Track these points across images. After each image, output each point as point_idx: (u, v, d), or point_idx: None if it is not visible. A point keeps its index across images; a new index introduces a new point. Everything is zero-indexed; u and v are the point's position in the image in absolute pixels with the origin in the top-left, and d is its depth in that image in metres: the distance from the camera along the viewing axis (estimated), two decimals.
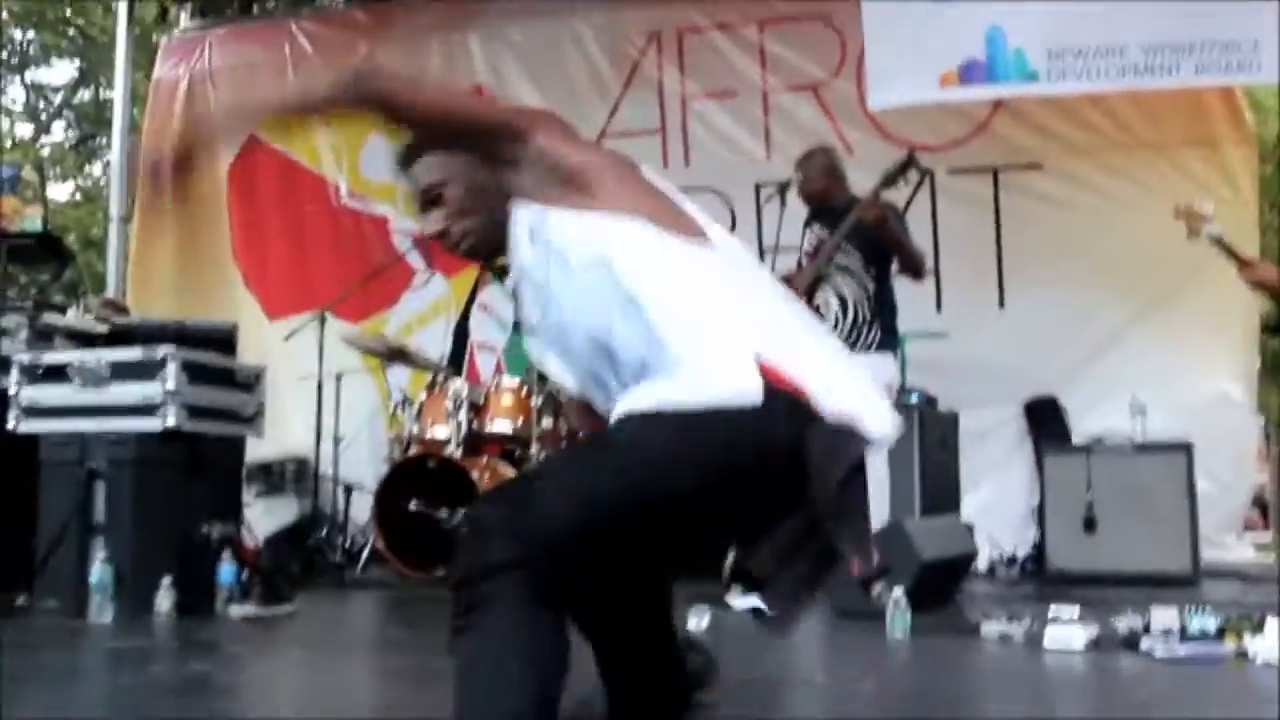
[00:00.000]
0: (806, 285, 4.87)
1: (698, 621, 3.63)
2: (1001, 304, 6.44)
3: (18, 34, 17.16)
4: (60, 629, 3.87)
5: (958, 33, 5.34)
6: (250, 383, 4.67)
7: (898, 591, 3.65)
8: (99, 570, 3.98)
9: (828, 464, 1.59)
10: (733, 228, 6.64)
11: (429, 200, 1.87)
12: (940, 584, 4.18)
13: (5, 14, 16.74)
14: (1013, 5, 5.36)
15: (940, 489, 5.37)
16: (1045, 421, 6.14)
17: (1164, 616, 3.36)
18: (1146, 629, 3.34)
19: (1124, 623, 3.41)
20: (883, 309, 4.90)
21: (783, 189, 5.14)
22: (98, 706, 2.81)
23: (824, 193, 5.00)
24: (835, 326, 4.84)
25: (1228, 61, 5.43)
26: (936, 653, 3.43)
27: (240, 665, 3.40)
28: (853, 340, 4.83)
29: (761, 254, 5.74)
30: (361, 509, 5.93)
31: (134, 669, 3.27)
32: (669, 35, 7.08)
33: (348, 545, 5.90)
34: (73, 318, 4.90)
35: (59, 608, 4.07)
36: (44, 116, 17.75)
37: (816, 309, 4.89)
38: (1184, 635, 3.27)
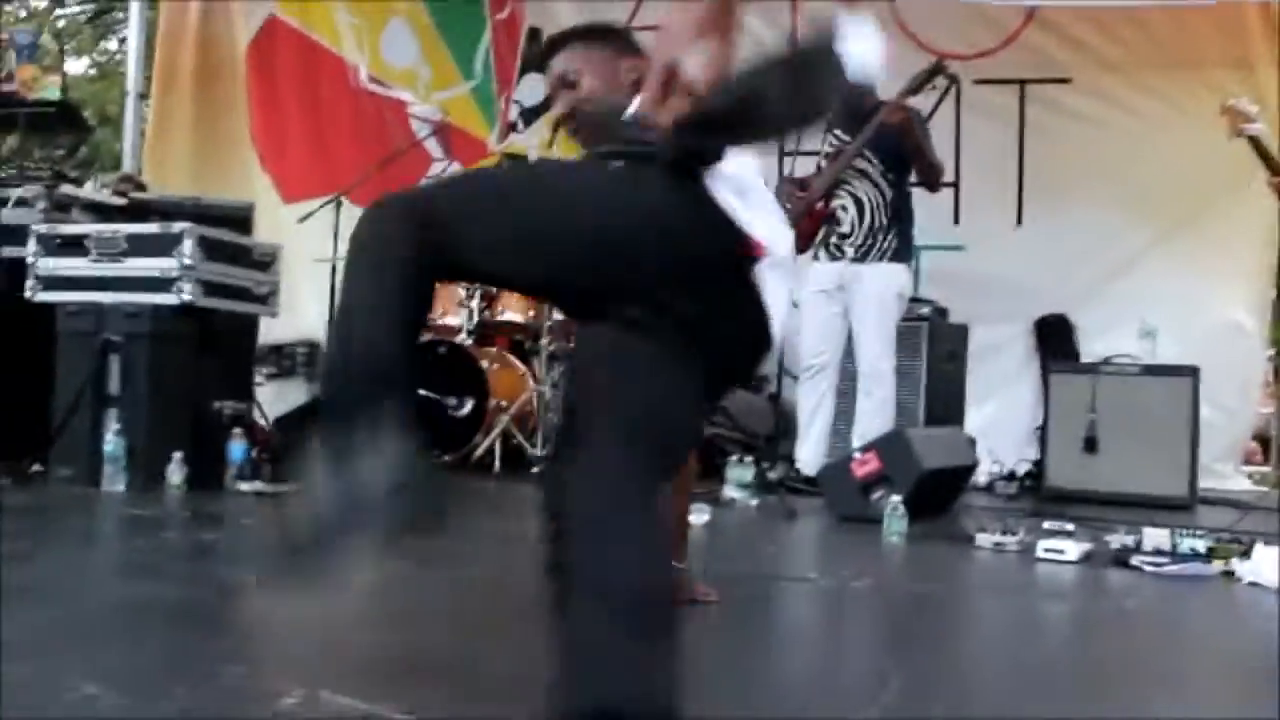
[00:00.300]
0: (825, 188, 4.84)
1: (698, 518, 3.70)
2: (1019, 220, 6.40)
3: None
4: (74, 496, 3.96)
5: None
6: (266, 261, 4.70)
7: (896, 498, 3.71)
8: (112, 441, 4.05)
9: None
10: None
11: (566, 84, 1.95)
12: (939, 494, 4.24)
13: None
14: None
15: (945, 401, 5.42)
16: (1055, 340, 6.15)
17: (1156, 535, 3.43)
18: (1138, 547, 3.41)
19: (1116, 539, 3.48)
20: (900, 217, 4.88)
21: None
22: (112, 567, 2.89)
23: (851, 91, 4.94)
24: (851, 231, 4.83)
25: None
26: (930, 558, 3.50)
27: (249, 535, 3.48)
28: (867, 246, 4.82)
29: (781, 156, 5.68)
30: None
31: (146, 535, 3.35)
32: None
33: None
34: (90, 190, 4.91)
35: (72, 476, 4.15)
36: None
37: (833, 212, 4.87)
38: (1174, 555, 3.33)
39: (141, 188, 5.87)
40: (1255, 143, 4.25)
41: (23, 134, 5.01)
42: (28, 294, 4.38)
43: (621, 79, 1.92)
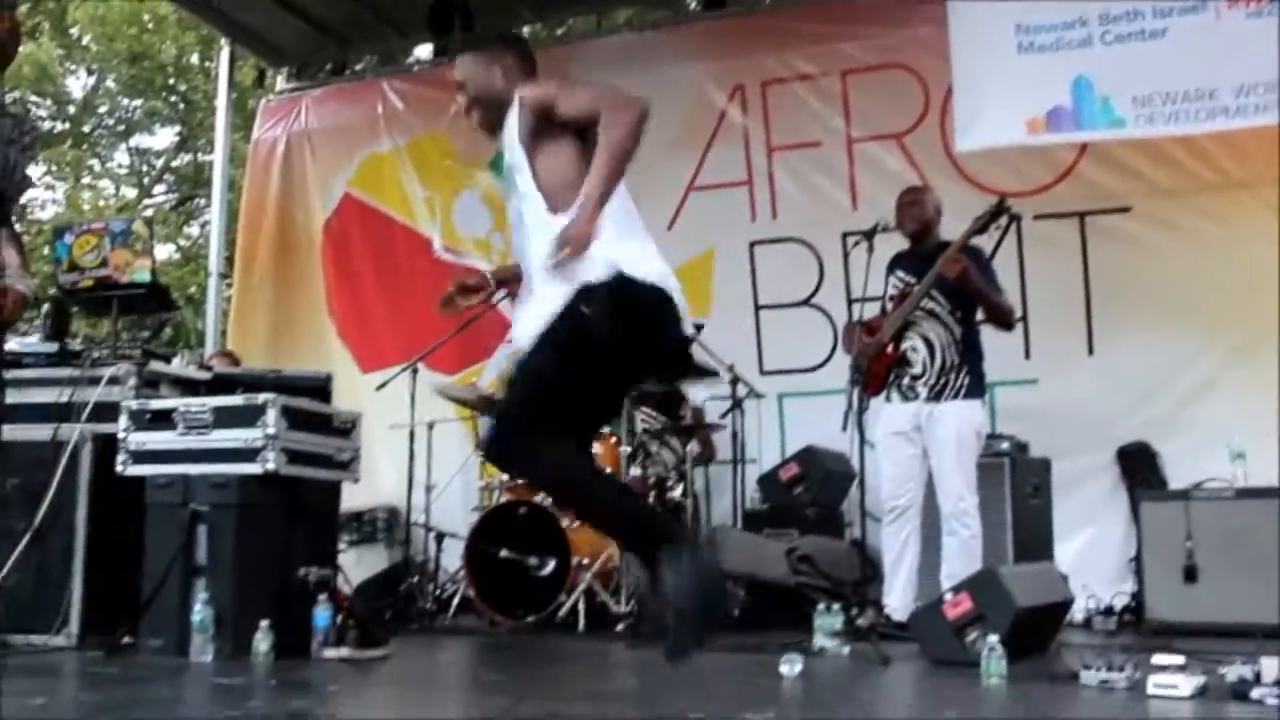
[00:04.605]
0: (893, 331, 4.85)
1: (790, 669, 3.61)
2: (1090, 350, 6.33)
3: (124, 102, 17.98)
4: (163, 666, 3.97)
5: (1045, 80, 5.32)
6: (346, 429, 4.78)
7: (993, 638, 3.59)
8: (200, 611, 4.08)
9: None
10: (820, 277, 6.67)
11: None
12: (1036, 632, 4.10)
13: (113, 83, 17.56)
14: (1100, 52, 5.33)
15: (1033, 537, 5.29)
16: (1139, 469, 6.00)
17: (1276, 666, 3.26)
18: (1258, 679, 3.23)
19: (1232, 672, 3.31)
20: (970, 355, 4.86)
21: (869, 236, 5.08)
22: None
23: (925, 229, 5.00)
24: (923, 372, 4.81)
25: None
26: (1033, 698, 3.37)
27: (337, 702, 3.46)
28: (941, 385, 4.79)
29: (850, 304, 5.72)
30: (452, 557, 5.98)
31: (236, 704, 3.35)
32: (753, 88, 7.15)
33: (438, 592, 5.96)
34: (177, 366, 5.08)
35: (162, 646, 4.18)
36: (146, 180, 18.49)
37: (904, 354, 4.87)
38: None
39: (237, 363, 6.09)
40: None
41: (116, 314, 5.20)
42: (119, 468, 4.50)
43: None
